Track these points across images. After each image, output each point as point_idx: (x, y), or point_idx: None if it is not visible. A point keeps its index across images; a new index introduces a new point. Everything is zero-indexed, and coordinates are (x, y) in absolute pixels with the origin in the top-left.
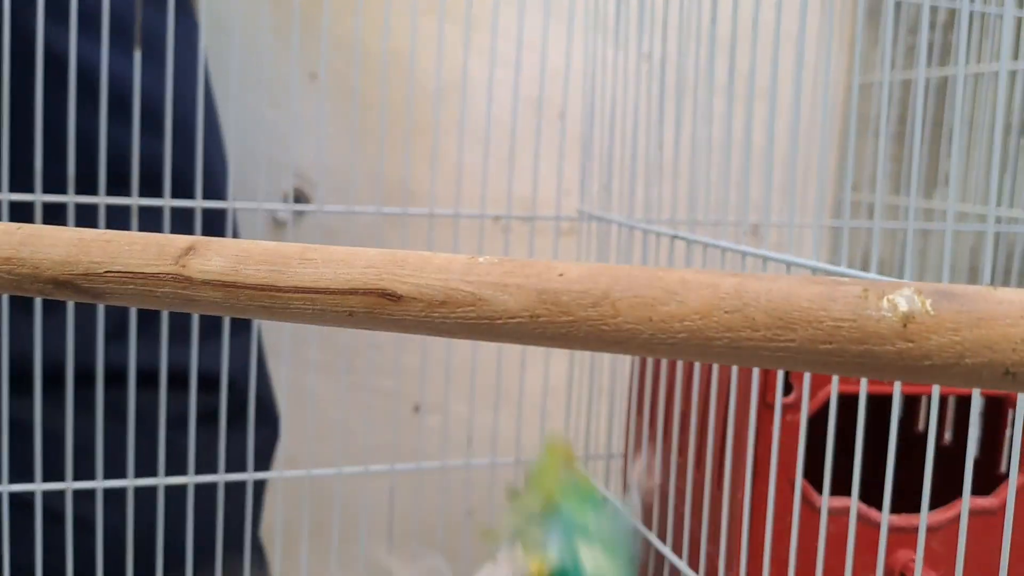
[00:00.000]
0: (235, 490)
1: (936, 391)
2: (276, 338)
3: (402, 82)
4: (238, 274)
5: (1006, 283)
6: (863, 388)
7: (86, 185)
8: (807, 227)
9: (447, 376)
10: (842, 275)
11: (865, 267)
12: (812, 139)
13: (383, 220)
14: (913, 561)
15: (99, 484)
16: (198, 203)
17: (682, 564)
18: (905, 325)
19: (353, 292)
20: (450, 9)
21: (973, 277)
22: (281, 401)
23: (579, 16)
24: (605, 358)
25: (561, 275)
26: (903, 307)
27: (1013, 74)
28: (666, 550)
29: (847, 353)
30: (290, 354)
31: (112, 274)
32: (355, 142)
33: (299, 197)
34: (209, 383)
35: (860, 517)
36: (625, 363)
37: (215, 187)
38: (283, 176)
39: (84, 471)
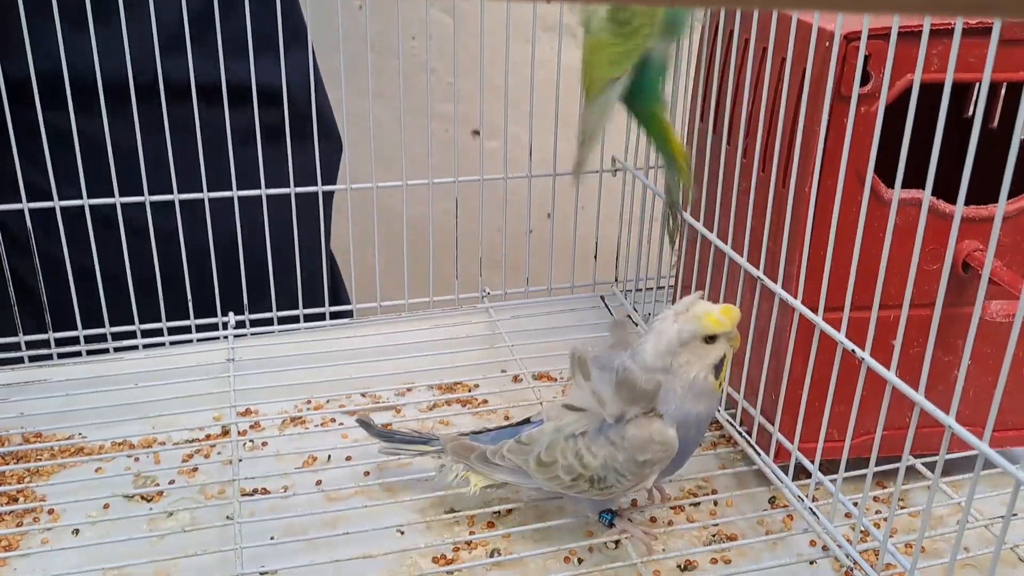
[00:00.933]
0: (305, 201)
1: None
2: (332, 61)
3: None
4: None
5: None
6: (950, 73)
7: None
8: None
9: (505, 100)
10: None
11: None
12: None
13: None
14: (978, 250)
15: (175, 197)
16: None
17: (741, 260)
18: None
19: None
20: None
21: None
22: (343, 126)
23: None
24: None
25: None
26: None
27: None
28: (725, 248)
29: None
30: (346, 79)
31: None
32: None
33: None
34: (269, 97)
35: (930, 208)
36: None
37: None
38: None
39: (159, 186)
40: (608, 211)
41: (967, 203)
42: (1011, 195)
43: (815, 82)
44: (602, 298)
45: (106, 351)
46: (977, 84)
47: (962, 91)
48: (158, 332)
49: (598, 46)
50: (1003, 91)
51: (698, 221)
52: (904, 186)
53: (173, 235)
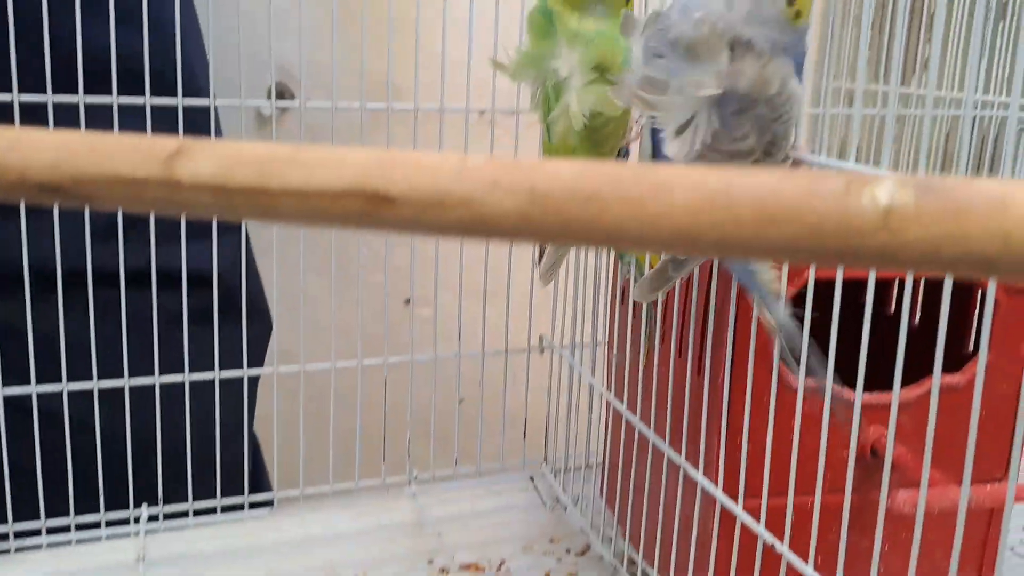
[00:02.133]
0: (230, 385)
1: (910, 276)
2: (264, 237)
3: None
4: (228, 177)
5: (979, 165)
6: (839, 274)
7: (64, 84)
8: None
9: (436, 270)
10: (823, 166)
11: (843, 151)
12: None
13: (367, 115)
14: (884, 436)
15: (95, 384)
16: (179, 101)
17: (664, 445)
18: (886, 217)
19: (345, 194)
20: None
21: (947, 161)
22: (272, 300)
23: None
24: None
25: (552, 174)
26: (884, 200)
27: None
28: (649, 433)
29: (830, 245)
30: (278, 253)
31: (100, 179)
32: (337, 37)
33: (282, 92)
34: (198, 281)
35: (834, 396)
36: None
37: (196, 85)
38: (265, 72)
39: (79, 373)
40: (537, 386)
41: (876, 389)
42: (916, 379)
43: (722, 278)
44: (531, 479)
45: (7, 551)
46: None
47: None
48: (65, 528)
49: (564, 150)
50: (895, 281)
51: (622, 403)
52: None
53: (89, 424)
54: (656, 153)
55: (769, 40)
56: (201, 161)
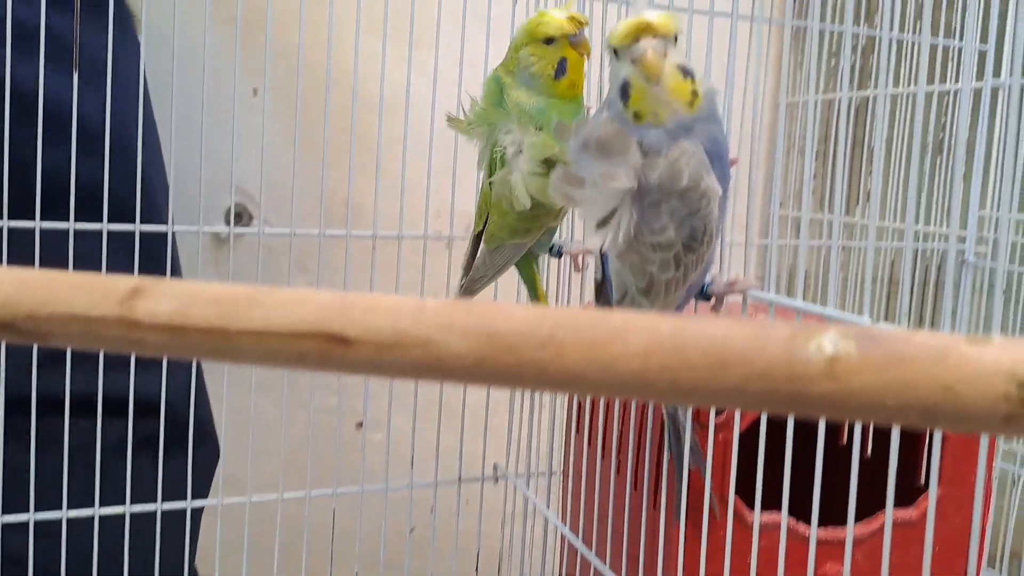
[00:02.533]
0: (172, 518)
1: None
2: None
3: (345, 98)
4: (186, 317)
5: (923, 294)
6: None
7: (21, 209)
8: (737, 245)
9: (391, 391)
10: (772, 302)
11: (791, 281)
12: (742, 158)
13: (326, 239)
14: (839, 573)
15: (31, 516)
16: (137, 227)
17: None
18: (831, 366)
19: (302, 336)
20: (394, 27)
21: (893, 289)
22: (221, 422)
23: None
24: None
25: (508, 317)
26: (829, 350)
27: (929, 96)
28: (604, 568)
29: (778, 392)
30: (229, 374)
31: (55, 317)
32: (297, 159)
33: (240, 215)
34: (146, 410)
35: (789, 531)
36: None
37: (155, 209)
38: (224, 194)
39: (17, 503)
40: (491, 511)
41: (832, 524)
42: (871, 511)
43: None
44: None
45: None
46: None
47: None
48: None
49: (501, 212)
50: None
51: (577, 536)
52: (775, 507)
53: (22, 559)
54: (604, 259)
55: (656, 139)
56: (160, 300)
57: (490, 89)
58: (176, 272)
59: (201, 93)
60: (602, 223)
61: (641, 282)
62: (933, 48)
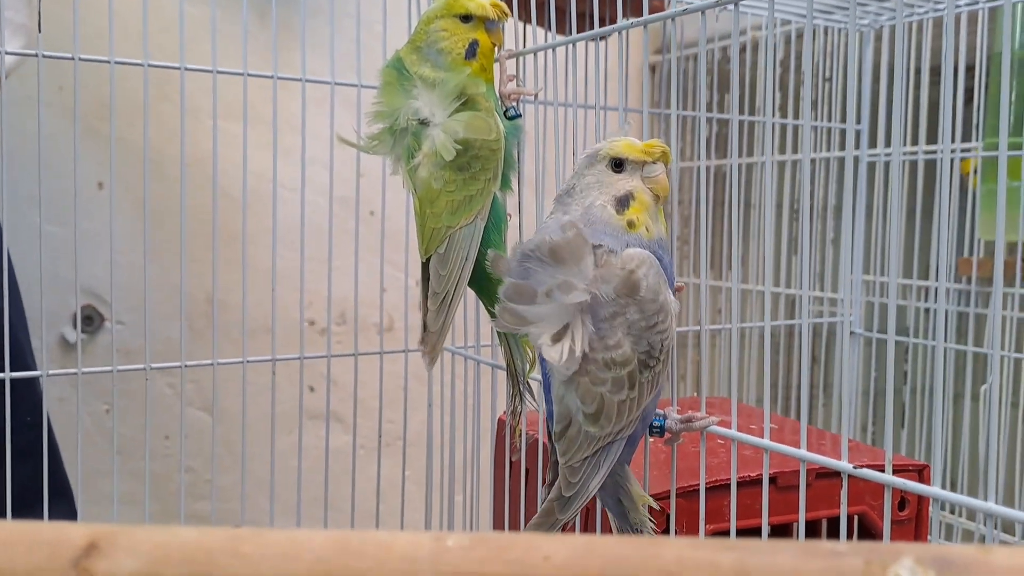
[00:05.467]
0: None
1: None
2: (72, 468)
3: (200, 188)
4: None
5: (814, 362)
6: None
7: None
8: None
9: (271, 494)
10: (733, 438)
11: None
12: None
13: (189, 334)
14: None
15: None
16: (7, 374)
17: None
18: None
19: None
20: (250, 111)
21: (790, 361)
22: None
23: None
24: (444, 456)
25: (547, 558)
26: None
27: (782, 164)
28: None
29: None
30: (92, 484)
31: None
32: (151, 255)
33: (90, 316)
34: None
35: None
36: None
37: (17, 348)
38: (71, 295)
39: None
40: None
41: None
42: None
43: None
44: None
45: None
46: None
47: None
48: None
49: (432, 196)
50: None
51: None
52: None
53: None
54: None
55: (619, 244)
56: (120, 559)
57: (387, 78)
58: (38, 409)
59: (42, 191)
60: (557, 337)
61: (590, 407)
62: (776, 126)
